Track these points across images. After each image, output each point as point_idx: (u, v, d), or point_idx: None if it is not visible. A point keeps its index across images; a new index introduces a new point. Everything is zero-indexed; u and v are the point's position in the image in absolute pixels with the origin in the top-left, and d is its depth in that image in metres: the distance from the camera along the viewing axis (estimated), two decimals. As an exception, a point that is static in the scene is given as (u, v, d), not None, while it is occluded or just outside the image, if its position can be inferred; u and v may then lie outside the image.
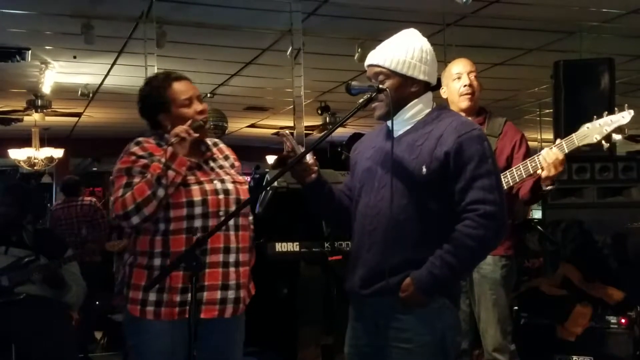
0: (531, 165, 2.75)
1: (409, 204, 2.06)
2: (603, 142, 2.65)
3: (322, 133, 7.22)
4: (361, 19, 5.69)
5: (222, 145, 2.54)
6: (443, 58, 6.07)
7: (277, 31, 5.96)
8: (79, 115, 9.99)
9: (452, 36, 5.82)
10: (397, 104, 2.13)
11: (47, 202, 12.47)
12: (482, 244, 2.06)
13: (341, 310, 3.51)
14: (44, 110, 8.47)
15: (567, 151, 2.67)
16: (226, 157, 2.51)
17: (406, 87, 2.13)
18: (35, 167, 10.34)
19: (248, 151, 10.04)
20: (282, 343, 3.87)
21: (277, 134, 10.95)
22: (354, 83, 2.15)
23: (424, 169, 2.05)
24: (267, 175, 3.88)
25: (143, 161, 2.30)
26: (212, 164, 2.43)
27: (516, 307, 3.91)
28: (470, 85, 3.02)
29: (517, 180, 2.80)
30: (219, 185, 2.35)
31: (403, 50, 2.13)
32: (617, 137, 2.70)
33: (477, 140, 2.07)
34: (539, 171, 2.71)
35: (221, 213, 2.31)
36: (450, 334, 2.11)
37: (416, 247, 2.06)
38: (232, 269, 2.33)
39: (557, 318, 3.81)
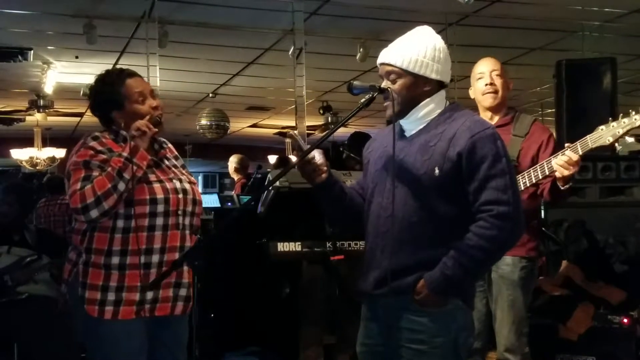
0: (547, 166, 2.76)
1: (422, 205, 2.05)
2: (616, 144, 2.65)
3: (324, 133, 7.22)
4: (363, 18, 5.69)
5: (170, 146, 2.54)
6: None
7: (279, 31, 5.96)
8: (81, 115, 10.00)
9: (455, 36, 5.82)
10: (409, 104, 2.10)
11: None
12: (495, 244, 2.04)
13: (343, 310, 3.52)
14: (46, 110, 8.49)
15: (581, 153, 2.67)
16: (176, 157, 2.52)
17: (418, 87, 2.10)
18: (37, 167, 10.36)
19: (250, 151, 10.05)
20: (283, 343, 3.86)
21: (285, 134, 10.97)
22: (355, 83, 2.13)
23: (437, 171, 2.03)
24: (269, 175, 3.88)
25: (102, 156, 2.27)
26: (167, 162, 2.44)
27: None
28: (492, 84, 3.02)
29: (534, 181, 2.80)
30: (178, 185, 2.37)
31: (416, 48, 2.09)
32: (629, 139, 2.71)
33: (490, 139, 2.04)
34: (556, 173, 2.72)
35: (179, 212, 2.34)
36: (462, 335, 2.10)
37: (429, 248, 2.05)
38: (185, 268, 2.33)
39: (559, 318, 3.80)
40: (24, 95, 8.44)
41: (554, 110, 5.45)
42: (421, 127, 2.14)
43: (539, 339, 3.73)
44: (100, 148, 2.30)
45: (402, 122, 2.16)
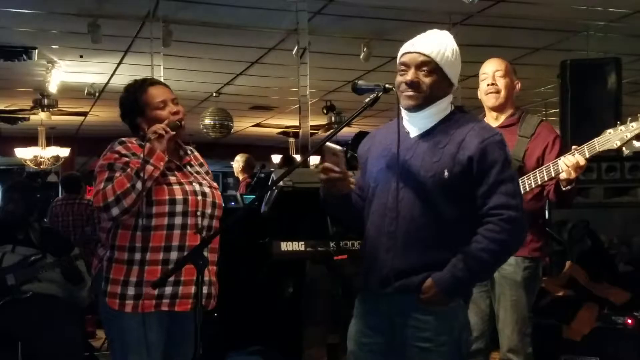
0: (553, 168, 2.76)
1: (430, 206, 2.07)
2: (624, 148, 2.65)
3: (328, 132, 7.22)
4: (367, 18, 5.69)
5: (196, 153, 2.70)
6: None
7: (283, 30, 5.96)
8: (85, 114, 10.02)
9: (459, 35, 5.76)
10: (430, 99, 2.10)
11: (52, 201, 12.51)
12: (504, 248, 2.09)
13: (346, 310, 3.52)
14: (51, 109, 8.50)
15: (588, 156, 2.68)
16: (201, 165, 2.66)
17: (442, 86, 2.12)
18: (41, 166, 10.38)
19: (253, 150, 10.04)
20: (287, 342, 3.86)
21: (289, 134, 10.93)
22: (360, 82, 2.14)
23: (446, 173, 2.05)
24: (272, 175, 3.87)
25: (125, 159, 2.42)
26: (189, 168, 2.58)
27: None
28: (494, 84, 3.03)
29: (540, 182, 2.80)
30: (197, 188, 2.50)
31: (449, 49, 2.13)
32: (637, 143, 2.70)
33: (499, 146, 2.09)
34: (563, 174, 2.72)
35: (199, 213, 2.46)
36: (465, 333, 2.16)
37: (436, 249, 2.07)
38: (209, 267, 2.42)
39: (563, 318, 3.80)
40: (29, 94, 8.45)
41: (558, 110, 5.44)
42: (428, 128, 2.14)
43: (542, 339, 3.72)
44: (124, 152, 2.46)
45: (409, 120, 2.17)
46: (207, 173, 2.65)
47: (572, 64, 5.10)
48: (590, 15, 5.71)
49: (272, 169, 7.50)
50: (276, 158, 11.06)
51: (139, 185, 2.32)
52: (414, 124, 2.16)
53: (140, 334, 2.38)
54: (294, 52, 5.74)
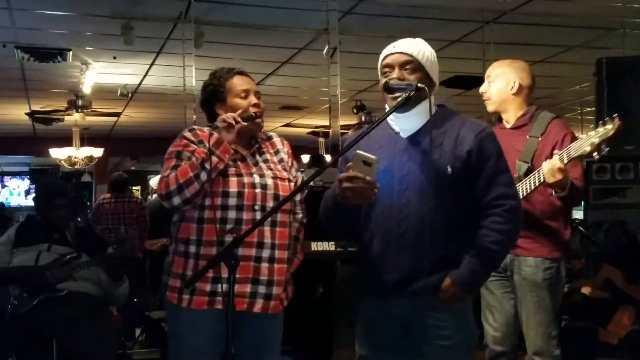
0: (542, 174, 2.71)
1: (437, 204, 2.08)
2: (595, 153, 2.61)
3: (359, 132, 7.18)
4: (398, 17, 5.65)
5: (276, 139, 2.55)
6: (482, 56, 6.01)
7: (313, 30, 5.96)
8: (118, 115, 10.15)
9: (492, 34, 5.75)
10: (416, 98, 2.10)
11: (86, 201, 12.72)
12: (510, 237, 2.17)
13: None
14: (84, 110, 8.63)
15: (566, 161, 2.66)
16: (276, 152, 2.51)
17: (428, 85, 2.14)
18: (75, 166, 10.55)
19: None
20: (317, 343, 3.86)
21: (319, 134, 10.90)
22: (392, 81, 2.14)
23: (449, 169, 2.09)
24: (302, 175, 3.87)
25: (193, 147, 2.34)
26: (257, 157, 2.44)
27: (556, 310, 3.84)
28: (485, 92, 3.02)
29: (532, 188, 2.75)
30: (257, 179, 2.36)
31: (428, 49, 2.19)
32: (607, 148, 2.65)
33: (492, 138, 2.16)
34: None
35: (257, 207, 2.33)
36: (476, 329, 2.25)
37: (446, 246, 2.10)
38: (264, 264, 2.33)
39: (599, 321, 3.74)
40: (63, 96, 8.59)
41: (593, 109, 5.34)
42: (419, 127, 2.15)
43: (578, 342, 3.67)
44: (193, 139, 2.38)
45: (397, 121, 2.18)
46: (280, 161, 2.49)
47: (608, 61, 5.00)
48: (626, 12, 5.60)
49: (301, 169, 7.48)
50: (306, 158, 11.07)
51: (202, 175, 2.24)
52: (402, 125, 2.18)
53: (193, 330, 2.33)
54: (324, 52, 5.73)
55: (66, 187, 4.03)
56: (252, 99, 2.42)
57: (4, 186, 15.48)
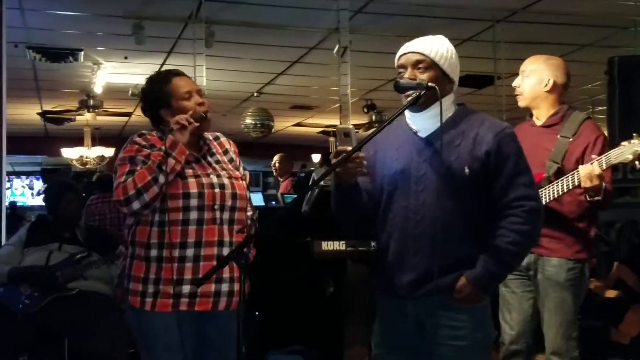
0: (576, 176, 2.70)
1: (454, 205, 2.07)
2: (636, 162, 2.59)
3: (369, 131, 7.19)
4: (409, 16, 5.64)
5: (223, 139, 2.58)
6: (492, 55, 5.99)
7: (323, 29, 5.96)
8: (129, 114, 10.19)
9: (502, 33, 5.73)
10: (432, 99, 2.08)
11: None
12: (529, 238, 2.13)
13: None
14: (96, 110, 8.68)
15: (605, 167, 2.64)
16: (225, 152, 2.54)
17: (442, 83, 2.11)
18: (86, 166, 10.60)
19: (294, 150, 10.08)
20: (328, 341, 3.86)
21: (329, 133, 10.93)
22: (402, 81, 2.12)
23: (467, 170, 2.07)
24: (313, 174, 3.89)
25: (146, 151, 2.34)
26: (209, 158, 2.47)
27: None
28: (517, 86, 2.99)
29: (566, 190, 2.74)
30: (215, 179, 2.39)
31: (444, 46, 2.15)
32: None
33: (512, 138, 2.12)
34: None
35: (216, 207, 2.35)
36: (493, 330, 2.24)
37: (463, 246, 2.09)
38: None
39: (611, 320, 3.72)
40: (75, 96, 8.64)
41: (605, 108, 5.31)
42: (436, 126, 2.11)
43: (589, 341, 3.64)
44: (144, 143, 2.38)
45: (415, 121, 2.16)
46: (230, 161, 2.52)
47: (620, 60, 4.94)
48: (638, 11, 5.56)
49: (312, 169, 7.49)
50: (316, 157, 11.07)
51: (161, 178, 2.26)
52: (419, 125, 2.16)
53: (160, 332, 2.33)
54: (334, 51, 5.73)
55: (74, 184, 4.06)
56: (197, 99, 2.43)
57: (23, 186, 15.38)
